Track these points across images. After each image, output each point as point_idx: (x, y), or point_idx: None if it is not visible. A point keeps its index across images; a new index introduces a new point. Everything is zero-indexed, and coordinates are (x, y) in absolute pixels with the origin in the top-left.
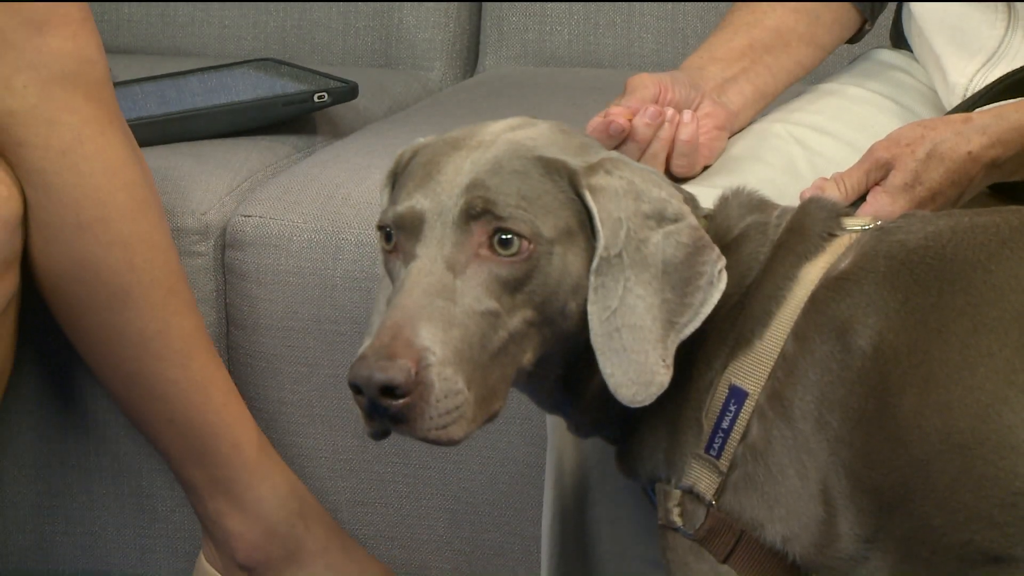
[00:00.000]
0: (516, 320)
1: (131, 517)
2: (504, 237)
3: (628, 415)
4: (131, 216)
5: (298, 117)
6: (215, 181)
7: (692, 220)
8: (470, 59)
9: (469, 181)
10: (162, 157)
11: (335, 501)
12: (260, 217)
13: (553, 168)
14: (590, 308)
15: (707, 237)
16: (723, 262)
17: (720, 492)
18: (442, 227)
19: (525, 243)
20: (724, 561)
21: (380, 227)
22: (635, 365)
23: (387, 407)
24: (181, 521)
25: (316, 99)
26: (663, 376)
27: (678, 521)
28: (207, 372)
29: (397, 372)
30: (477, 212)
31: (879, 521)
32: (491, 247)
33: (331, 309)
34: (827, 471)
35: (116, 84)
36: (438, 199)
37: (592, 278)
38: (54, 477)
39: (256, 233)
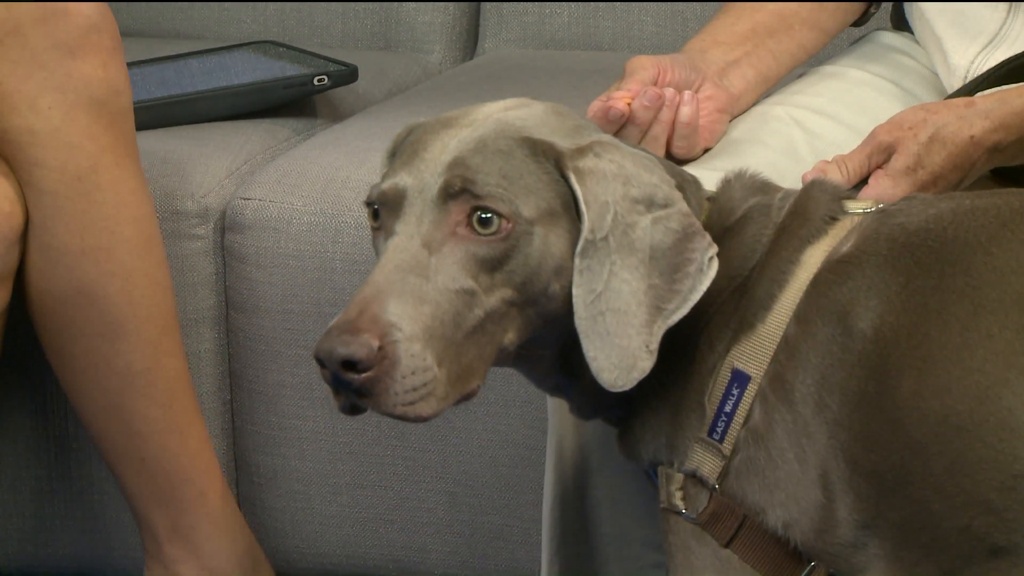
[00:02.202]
0: (494, 299)
1: None
2: (483, 216)
3: (630, 397)
4: (136, 250)
5: (298, 100)
6: (214, 164)
7: (683, 206)
8: (470, 42)
9: (451, 159)
10: (161, 140)
11: (335, 484)
12: (260, 200)
13: (539, 149)
14: (575, 291)
15: (698, 224)
16: (714, 249)
17: (723, 476)
18: (422, 204)
19: (504, 222)
20: (726, 546)
21: (367, 204)
22: (618, 349)
23: (350, 381)
24: None
25: (316, 82)
26: (645, 362)
27: (680, 505)
28: (187, 417)
29: (359, 347)
30: (456, 190)
31: (877, 506)
32: (470, 225)
33: (330, 292)
34: (826, 455)
35: None
36: (420, 177)
37: (577, 260)
38: (53, 461)
39: (256, 216)
